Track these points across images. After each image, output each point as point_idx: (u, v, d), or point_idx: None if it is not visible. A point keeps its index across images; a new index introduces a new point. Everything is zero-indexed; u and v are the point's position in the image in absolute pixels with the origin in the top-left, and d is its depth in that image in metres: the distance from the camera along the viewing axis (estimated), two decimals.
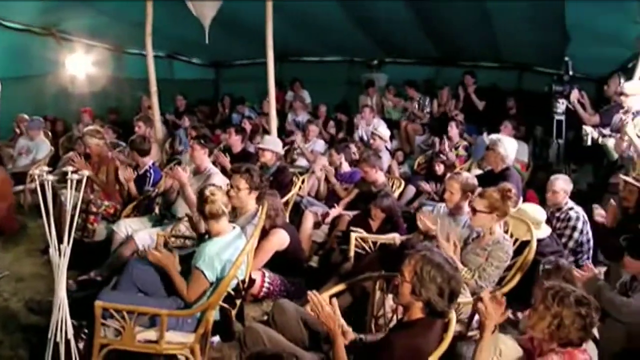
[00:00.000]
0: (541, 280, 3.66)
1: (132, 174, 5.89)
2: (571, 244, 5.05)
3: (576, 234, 5.05)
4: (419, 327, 2.72)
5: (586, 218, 5.11)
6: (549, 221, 5.02)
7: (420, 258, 2.71)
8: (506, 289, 3.87)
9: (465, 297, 3.72)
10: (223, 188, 4.10)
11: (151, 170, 5.99)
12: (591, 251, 5.14)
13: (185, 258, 3.93)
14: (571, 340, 2.64)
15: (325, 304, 2.82)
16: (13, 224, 6.12)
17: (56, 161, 8.03)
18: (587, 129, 5.85)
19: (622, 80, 6.22)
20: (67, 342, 3.15)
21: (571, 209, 5.16)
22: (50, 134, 8.80)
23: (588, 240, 5.11)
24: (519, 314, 4.09)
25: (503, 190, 4.09)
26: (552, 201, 5.22)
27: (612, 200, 4.73)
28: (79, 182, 3.15)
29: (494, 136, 5.89)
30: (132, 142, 6.18)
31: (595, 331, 3.15)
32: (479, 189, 4.44)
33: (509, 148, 5.60)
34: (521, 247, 4.23)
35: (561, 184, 5.19)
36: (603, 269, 4.85)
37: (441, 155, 7.18)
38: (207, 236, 3.97)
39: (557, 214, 5.19)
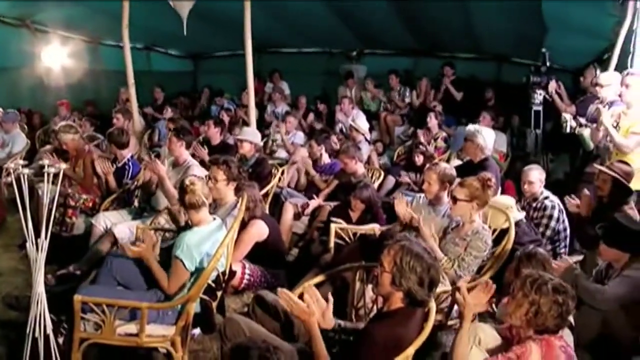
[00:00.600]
0: (512, 268, 3.72)
1: (110, 167, 5.83)
2: (548, 232, 5.13)
3: (553, 223, 5.12)
4: (399, 316, 2.74)
5: (562, 207, 5.18)
6: (525, 211, 5.09)
7: (399, 248, 2.73)
8: (485, 277, 3.92)
9: (444, 287, 3.76)
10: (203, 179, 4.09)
11: (130, 163, 5.94)
12: (568, 239, 5.22)
13: (165, 250, 3.92)
14: (548, 327, 2.70)
15: (296, 299, 2.83)
16: (2, 213, 6.06)
17: (33, 154, 7.91)
18: (566, 116, 5.91)
19: (597, 72, 6.30)
20: (47, 337, 3.13)
21: (547, 198, 5.24)
22: (26, 127, 8.69)
23: (565, 229, 5.19)
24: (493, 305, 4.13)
25: (483, 179, 4.14)
26: (529, 191, 5.28)
27: (585, 190, 4.80)
28: (55, 175, 3.12)
29: (472, 127, 5.93)
30: (110, 135, 6.09)
31: (570, 318, 3.20)
32: (458, 179, 4.48)
33: (487, 139, 5.64)
34: (499, 237, 4.28)
35: (536, 174, 5.26)
36: (579, 258, 4.93)
37: (420, 146, 7.21)
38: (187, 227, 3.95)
39: (534, 204, 5.26)
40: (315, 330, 2.78)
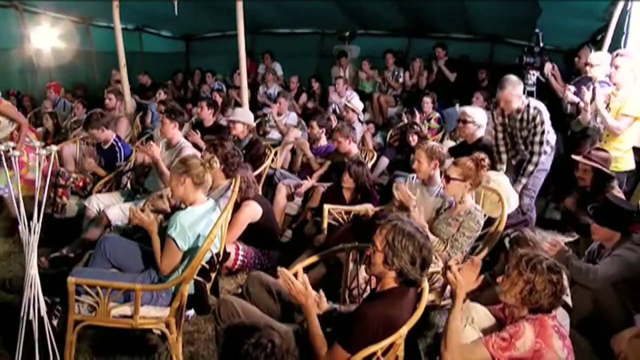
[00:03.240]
0: (510, 251, 3.73)
1: (93, 163, 5.75)
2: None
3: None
4: (392, 297, 2.74)
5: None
6: None
7: (391, 228, 2.73)
8: (478, 257, 3.94)
9: (438, 267, 3.78)
10: None
11: (119, 145, 5.88)
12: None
13: (161, 232, 3.91)
14: (542, 306, 2.72)
15: (294, 279, 2.84)
16: None
17: None
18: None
19: (592, 52, 6.30)
20: (41, 319, 3.13)
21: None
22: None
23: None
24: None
25: (477, 159, 4.13)
26: None
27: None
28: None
29: (465, 108, 5.92)
30: (87, 122, 5.83)
31: (568, 299, 3.24)
32: (451, 159, 4.48)
33: (481, 120, 5.64)
34: (489, 221, 4.28)
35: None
36: (570, 239, 4.98)
37: (415, 126, 7.19)
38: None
39: None
40: (312, 313, 2.80)
